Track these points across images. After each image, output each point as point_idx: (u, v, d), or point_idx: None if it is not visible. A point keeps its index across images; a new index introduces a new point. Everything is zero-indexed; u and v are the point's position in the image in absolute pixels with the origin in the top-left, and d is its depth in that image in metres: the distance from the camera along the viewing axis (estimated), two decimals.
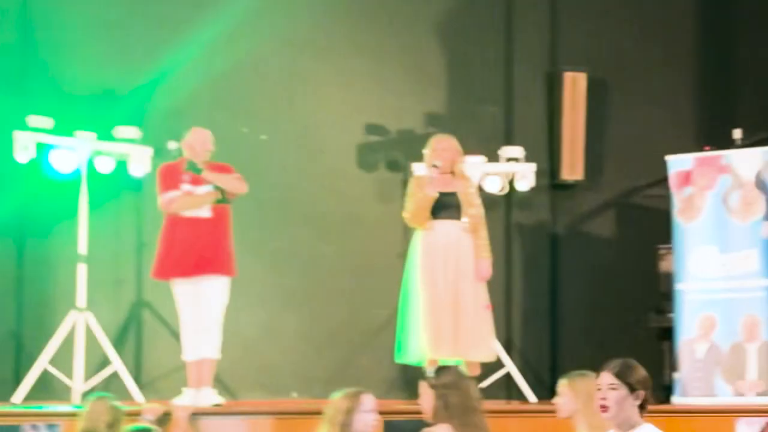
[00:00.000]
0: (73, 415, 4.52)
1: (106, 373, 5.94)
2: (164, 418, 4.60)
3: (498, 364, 6.41)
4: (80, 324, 5.78)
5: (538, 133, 7.58)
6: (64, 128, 6.02)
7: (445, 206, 5.34)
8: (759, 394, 5.33)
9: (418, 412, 3.71)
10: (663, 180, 7.42)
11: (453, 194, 5.33)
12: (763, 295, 5.38)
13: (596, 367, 4.86)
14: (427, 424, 3.48)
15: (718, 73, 7.90)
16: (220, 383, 6.63)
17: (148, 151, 6.10)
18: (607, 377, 2.88)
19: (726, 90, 7.90)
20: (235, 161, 6.87)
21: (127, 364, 6.18)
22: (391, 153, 7.30)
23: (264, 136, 7.00)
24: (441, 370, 3.72)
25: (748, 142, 5.64)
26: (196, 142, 5.37)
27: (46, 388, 5.91)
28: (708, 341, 5.44)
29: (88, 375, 5.88)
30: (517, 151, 6.75)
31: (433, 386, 3.42)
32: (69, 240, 6.11)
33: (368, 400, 3.53)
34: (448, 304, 5.12)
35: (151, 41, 6.63)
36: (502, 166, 6.74)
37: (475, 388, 3.64)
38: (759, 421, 4.19)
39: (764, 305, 5.38)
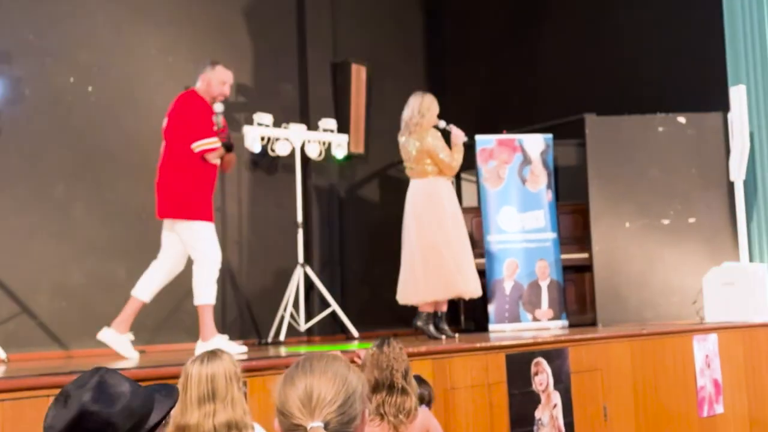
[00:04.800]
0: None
1: None
2: None
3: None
4: None
5: (326, 111, 6.98)
6: None
7: None
8: (550, 320, 5.42)
9: None
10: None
11: None
12: (549, 245, 5.48)
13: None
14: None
15: (437, 82, 8.11)
16: (51, 336, 5.02)
17: None
18: None
19: (443, 95, 8.13)
20: (65, 111, 5.28)
21: None
22: None
23: (90, 87, 5.38)
24: None
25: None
26: (216, 82, 4.13)
27: None
28: (512, 280, 5.39)
29: None
30: (332, 123, 6.08)
31: None
32: None
33: None
34: (458, 249, 4.31)
35: None
36: (321, 135, 6.01)
37: None
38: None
39: (551, 252, 5.48)
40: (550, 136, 5.73)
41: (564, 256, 5.68)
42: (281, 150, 5.94)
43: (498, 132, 5.91)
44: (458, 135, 4.67)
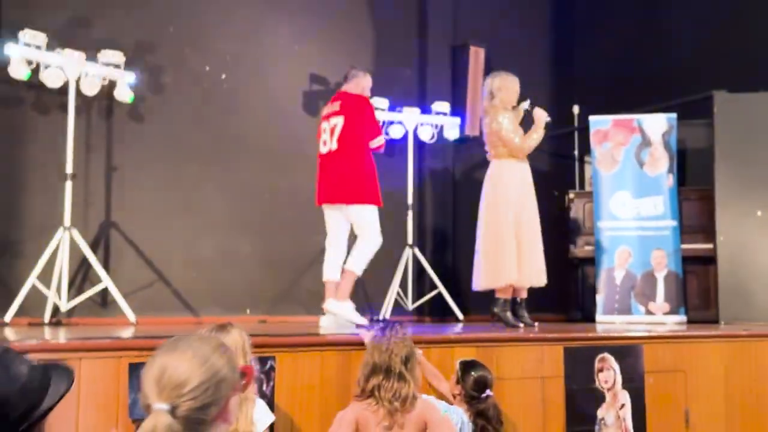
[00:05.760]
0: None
1: (94, 290, 4.52)
2: None
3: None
4: (66, 242, 4.31)
5: (444, 94, 6.94)
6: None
7: None
8: (665, 314, 5.07)
9: None
10: None
11: None
12: (668, 234, 5.11)
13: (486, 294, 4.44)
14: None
15: (564, 62, 7.75)
16: (183, 303, 5.45)
17: (131, 76, 4.67)
18: None
19: (569, 75, 7.80)
20: (199, 97, 5.68)
21: (95, 281, 4.77)
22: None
23: (224, 75, 5.73)
24: None
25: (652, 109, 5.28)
26: (368, 88, 4.73)
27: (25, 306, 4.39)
28: (624, 270, 5.11)
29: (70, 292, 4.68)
30: (445, 106, 6.04)
31: None
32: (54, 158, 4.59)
33: None
34: (519, 235, 4.27)
35: None
36: (433, 118, 6.00)
37: None
38: None
39: (669, 241, 5.10)
40: (673, 116, 5.31)
41: (686, 246, 5.27)
42: (395, 133, 6.03)
43: (628, 111, 5.56)
44: (540, 116, 4.50)
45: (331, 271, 4.52)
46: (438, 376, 3.00)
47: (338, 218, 4.52)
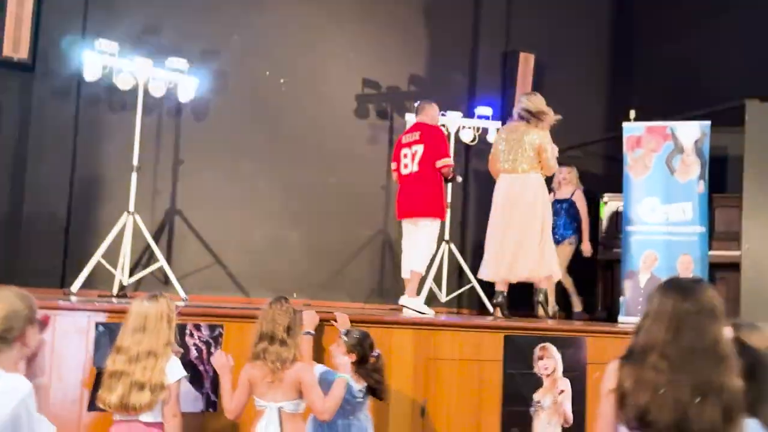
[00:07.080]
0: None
1: (150, 269, 5.10)
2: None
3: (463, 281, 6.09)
4: (129, 225, 4.89)
5: (494, 99, 7.14)
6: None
7: None
8: None
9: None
10: (581, 145, 7.14)
11: None
12: (695, 239, 5.13)
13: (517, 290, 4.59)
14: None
15: (621, 67, 7.74)
16: (236, 285, 5.97)
17: (194, 81, 5.19)
18: None
19: (626, 80, 7.76)
20: (259, 99, 6.19)
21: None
22: (381, 104, 6.72)
23: (282, 80, 6.20)
24: None
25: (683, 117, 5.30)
26: (437, 113, 5.47)
27: (91, 280, 4.99)
28: (649, 273, 5.18)
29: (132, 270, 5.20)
30: (487, 110, 6.27)
31: None
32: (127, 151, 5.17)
33: None
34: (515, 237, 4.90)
35: None
36: (474, 121, 6.26)
37: None
38: None
39: (696, 247, 5.13)
40: (707, 123, 5.31)
41: (716, 253, 5.25)
42: None
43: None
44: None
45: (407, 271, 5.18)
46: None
47: (414, 229, 5.16)
